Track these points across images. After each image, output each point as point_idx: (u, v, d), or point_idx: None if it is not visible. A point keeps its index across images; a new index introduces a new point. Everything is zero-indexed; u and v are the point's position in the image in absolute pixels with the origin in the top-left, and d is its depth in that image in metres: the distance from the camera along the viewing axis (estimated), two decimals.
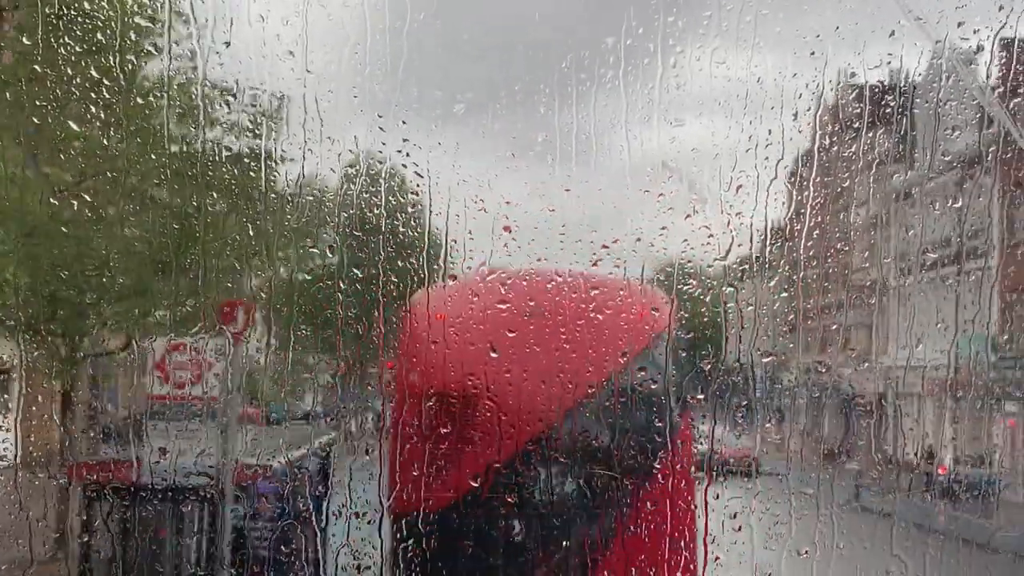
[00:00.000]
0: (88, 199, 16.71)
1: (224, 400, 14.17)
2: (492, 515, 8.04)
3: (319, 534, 13.20)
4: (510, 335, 8.55)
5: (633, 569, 7.79)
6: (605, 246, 12.07)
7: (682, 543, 7.86)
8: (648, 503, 8.28)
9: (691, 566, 7.98)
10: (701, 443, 11.74)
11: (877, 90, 14.22)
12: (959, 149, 16.81)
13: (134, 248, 16.69)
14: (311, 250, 13.52)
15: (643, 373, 8.95)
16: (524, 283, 8.85)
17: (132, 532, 13.71)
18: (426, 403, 8.08)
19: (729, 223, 11.85)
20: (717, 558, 9.48)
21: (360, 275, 11.85)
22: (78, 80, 14.58)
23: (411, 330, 8.68)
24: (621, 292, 8.82)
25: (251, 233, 14.90)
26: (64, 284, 18.25)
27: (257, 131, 14.69)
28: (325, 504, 13.13)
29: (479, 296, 8.80)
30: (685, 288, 12.38)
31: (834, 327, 14.04)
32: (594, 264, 11.85)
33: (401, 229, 12.20)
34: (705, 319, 12.60)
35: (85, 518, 14.46)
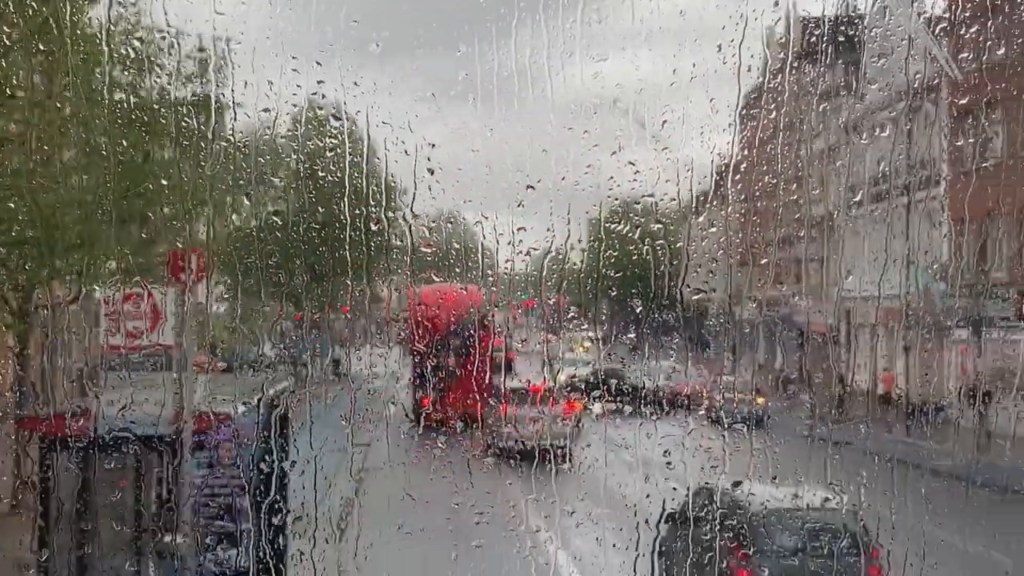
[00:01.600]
0: (34, 149, 16.33)
1: (178, 349, 13.91)
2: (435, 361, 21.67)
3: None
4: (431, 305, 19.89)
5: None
6: (530, 187, 11.85)
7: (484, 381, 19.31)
8: (469, 365, 20.02)
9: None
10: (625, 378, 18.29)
11: (807, 20, 14.03)
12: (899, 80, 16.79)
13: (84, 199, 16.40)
14: (226, 197, 13.19)
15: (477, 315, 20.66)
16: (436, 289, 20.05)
17: (89, 484, 13.59)
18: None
19: (655, 159, 11.67)
20: None
21: (279, 222, 11.55)
22: (19, 29, 14.13)
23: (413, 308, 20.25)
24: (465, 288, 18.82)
25: (166, 183, 14.55)
26: (11, 237, 17.83)
27: (170, 76, 14.29)
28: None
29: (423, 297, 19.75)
30: (612, 227, 12.20)
31: (764, 261, 13.91)
32: (519, 205, 11.64)
33: (320, 174, 11.89)
34: (634, 257, 12.41)
35: (40, 471, 14.34)
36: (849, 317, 30.81)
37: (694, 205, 12.37)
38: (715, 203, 12.35)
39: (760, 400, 23.53)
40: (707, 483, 11.55)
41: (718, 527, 10.89)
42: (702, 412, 17.28)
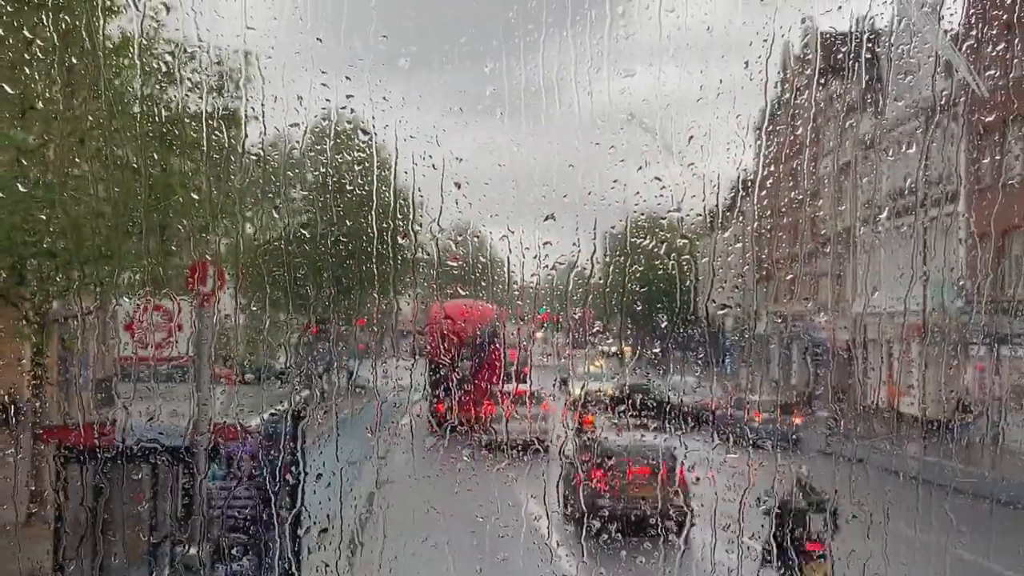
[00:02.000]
0: (54, 161, 16.41)
1: (196, 361, 13.94)
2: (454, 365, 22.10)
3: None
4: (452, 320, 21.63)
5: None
6: (565, 196, 11.90)
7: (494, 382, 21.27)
8: (487, 368, 22.41)
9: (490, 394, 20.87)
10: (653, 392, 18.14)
11: (833, 37, 14.03)
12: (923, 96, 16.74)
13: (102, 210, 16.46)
14: (251, 210, 13.26)
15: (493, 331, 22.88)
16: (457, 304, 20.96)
17: (104, 494, 13.61)
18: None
19: (681, 174, 11.68)
20: None
21: (307, 235, 11.60)
22: (40, 41, 14.23)
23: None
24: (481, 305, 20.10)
25: (194, 196, 14.63)
26: (32, 248, 17.93)
27: (198, 89, 14.39)
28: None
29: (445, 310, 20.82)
30: (639, 242, 12.23)
31: (791, 277, 13.86)
32: (546, 219, 11.66)
33: (348, 187, 11.94)
34: (660, 272, 12.44)
35: (59, 481, 14.39)
36: (877, 333, 30.57)
37: (720, 220, 12.40)
38: (740, 218, 12.38)
39: (794, 418, 22.90)
40: None
41: None
42: (731, 429, 17.23)
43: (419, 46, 13.17)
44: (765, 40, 10.74)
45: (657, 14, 11.38)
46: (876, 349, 32.73)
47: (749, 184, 12.08)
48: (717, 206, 12.26)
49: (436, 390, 20.75)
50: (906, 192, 24.48)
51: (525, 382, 19.14)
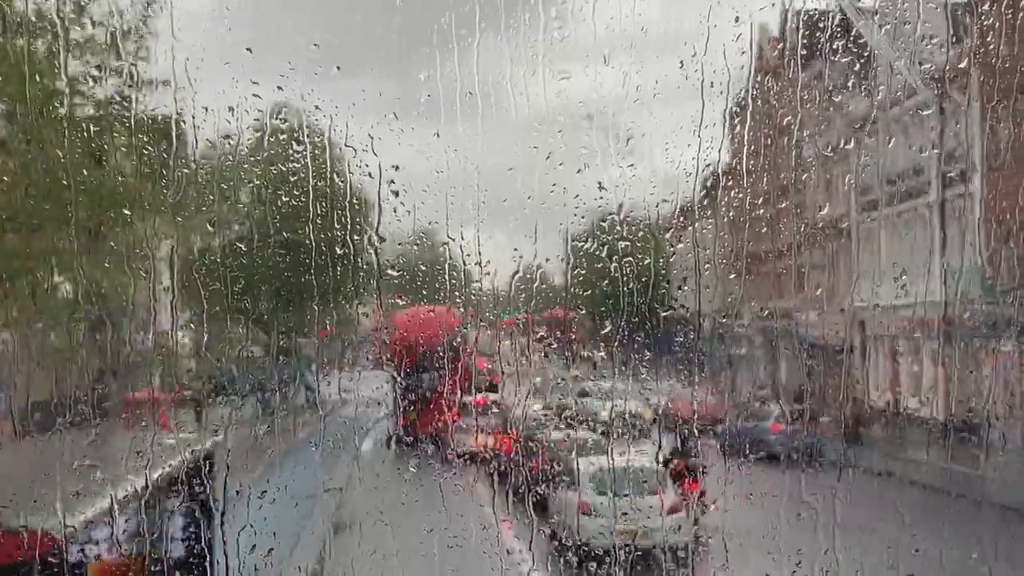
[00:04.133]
0: None
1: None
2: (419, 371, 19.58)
3: None
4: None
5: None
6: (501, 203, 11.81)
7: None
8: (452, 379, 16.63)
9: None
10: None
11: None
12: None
13: None
14: (195, 219, 13.02)
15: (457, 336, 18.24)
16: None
17: None
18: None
19: (621, 176, 11.61)
20: None
21: (243, 248, 11.40)
22: None
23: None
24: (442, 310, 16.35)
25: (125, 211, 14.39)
26: None
27: (125, 103, 14.13)
28: None
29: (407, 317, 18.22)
30: (580, 245, 12.14)
31: (733, 277, 13.80)
32: (482, 223, 11.54)
33: (283, 199, 11.77)
34: (603, 276, 12.35)
35: None
36: (884, 329, 29.37)
37: (695, 215, 12.34)
38: (681, 219, 12.31)
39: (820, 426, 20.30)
40: None
41: None
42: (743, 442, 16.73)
43: (352, 52, 12.98)
44: (702, 36, 10.65)
45: (591, 15, 11.31)
46: (881, 346, 31.38)
47: (688, 183, 11.99)
48: (658, 208, 12.22)
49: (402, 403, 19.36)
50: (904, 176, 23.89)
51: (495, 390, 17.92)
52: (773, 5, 11.54)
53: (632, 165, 11.76)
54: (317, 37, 11.56)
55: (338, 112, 11.10)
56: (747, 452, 15.18)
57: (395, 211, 11.28)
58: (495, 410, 17.59)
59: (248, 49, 11.01)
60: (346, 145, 11.05)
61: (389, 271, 12.23)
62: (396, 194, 11.17)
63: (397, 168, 11.13)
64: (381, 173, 10.84)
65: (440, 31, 11.04)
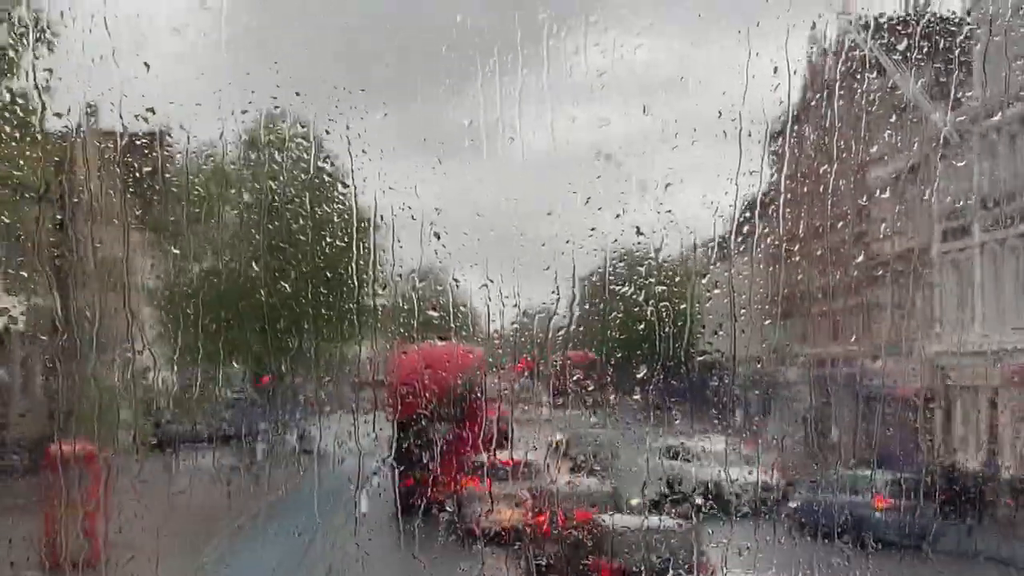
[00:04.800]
0: None
1: None
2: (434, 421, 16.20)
3: None
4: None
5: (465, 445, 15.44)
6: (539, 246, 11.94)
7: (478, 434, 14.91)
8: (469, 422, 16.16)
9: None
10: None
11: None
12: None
13: None
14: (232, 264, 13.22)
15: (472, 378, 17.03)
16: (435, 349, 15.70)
17: None
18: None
19: (659, 221, 11.75)
20: None
21: (288, 289, 11.64)
22: None
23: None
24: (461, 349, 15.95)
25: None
26: None
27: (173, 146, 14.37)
28: None
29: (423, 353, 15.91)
30: (618, 289, 12.27)
31: (768, 321, 13.75)
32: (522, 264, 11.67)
33: (328, 240, 12.00)
34: (641, 320, 12.38)
35: None
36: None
37: (700, 267, 12.42)
38: (719, 264, 12.41)
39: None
40: None
41: None
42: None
43: (398, 97, 13.26)
44: (741, 83, 10.80)
45: (633, 62, 11.54)
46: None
47: (727, 232, 12.12)
48: (695, 254, 12.34)
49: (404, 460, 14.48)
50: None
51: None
52: (811, 59, 11.74)
53: (670, 211, 11.91)
54: (363, 83, 11.83)
55: (383, 155, 11.35)
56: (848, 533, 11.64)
57: (436, 253, 11.45)
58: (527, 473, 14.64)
59: (297, 93, 11.31)
60: (390, 188, 11.27)
61: (430, 311, 12.38)
62: (438, 236, 11.35)
63: (438, 211, 11.33)
64: (423, 215, 11.03)
65: (484, 78, 11.30)
